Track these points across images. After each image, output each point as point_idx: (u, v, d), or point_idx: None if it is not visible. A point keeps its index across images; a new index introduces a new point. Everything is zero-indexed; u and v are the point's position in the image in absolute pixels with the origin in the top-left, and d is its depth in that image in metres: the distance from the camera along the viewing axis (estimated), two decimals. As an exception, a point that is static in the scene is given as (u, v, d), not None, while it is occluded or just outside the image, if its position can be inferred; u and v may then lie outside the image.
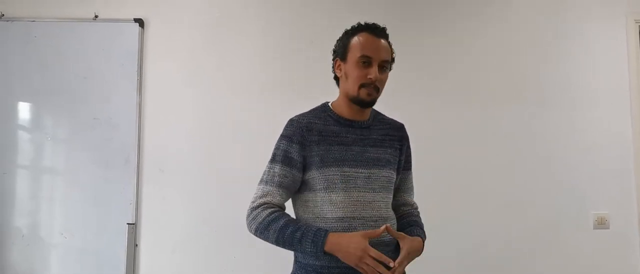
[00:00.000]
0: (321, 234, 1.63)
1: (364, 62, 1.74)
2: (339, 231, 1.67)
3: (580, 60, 3.26)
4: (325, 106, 1.87)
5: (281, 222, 1.67)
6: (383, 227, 1.64)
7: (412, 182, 1.99)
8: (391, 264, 1.57)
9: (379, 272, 1.57)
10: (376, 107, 1.94)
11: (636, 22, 3.26)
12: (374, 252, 1.57)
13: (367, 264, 1.57)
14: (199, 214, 3.11)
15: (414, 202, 1.98)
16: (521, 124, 3.21)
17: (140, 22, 3.19)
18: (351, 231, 1.67)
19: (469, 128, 3.19)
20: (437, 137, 3.16)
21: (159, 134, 3.15)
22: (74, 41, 3.17)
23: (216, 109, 3.18)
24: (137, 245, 3.07)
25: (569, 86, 3.24)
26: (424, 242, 1.82)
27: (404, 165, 1.93)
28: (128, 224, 3.05)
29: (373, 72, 1.73)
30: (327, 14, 3.21)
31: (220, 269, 3.06)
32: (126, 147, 3.11)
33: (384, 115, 1.95)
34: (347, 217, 1.71)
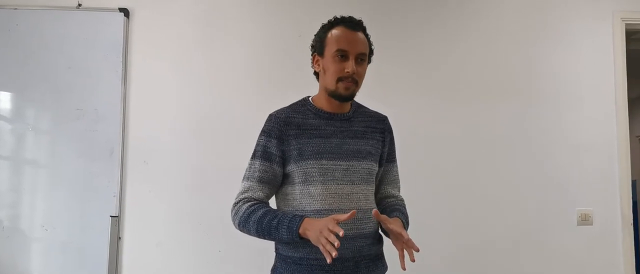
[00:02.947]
0: (296, 220, 1.63)
1: (341, 56, 1.74)
2: None
3: (568, 59, 3.28)
4: (305, 100, 1.87)
5: (260, 212, 1.69)
6: (352, 212, 1.55)
7: (396, 175, 1.98)
8: (341, 234, 1.48)
9: (331, 243, 1.49)
10: (361, 100, 1.94)
11: (622, 20, 3.28)
12: (332, 225, 1.51)
13: (325, 237, 1.51)
14: (184, 207, 3.08)
15: (399, 195, 1.97)
16: (508, 122, 3.22)
17: (125, 11, 3.14)
18: None
19: (455, 125, 3.20)
20: (424, 134, 3.17)
21: (144, 126, 3.12)
22: (57, 30, 3.12)
23: (202, 101, 3.15)
24: (120, 238, 3.04)
25: (556, 84, 3.26)
26: (405, 226, 1.79)
27: (387, 157, 1.93)
28: (111, 217, 3.01)
29: (350, 65, 1.73)
30: (315, 8, 3.19)
31: (205, 263, 3.04)
32: (110, 139, 3.07)
33: (366, 107, 1.95)
34: (324, 209, 1.71)
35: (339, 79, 1.74)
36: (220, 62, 3.18)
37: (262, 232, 1.68)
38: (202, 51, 3.18)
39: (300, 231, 1.61)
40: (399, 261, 1.66)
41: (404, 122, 3.08)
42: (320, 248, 1.53)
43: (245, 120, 3.07)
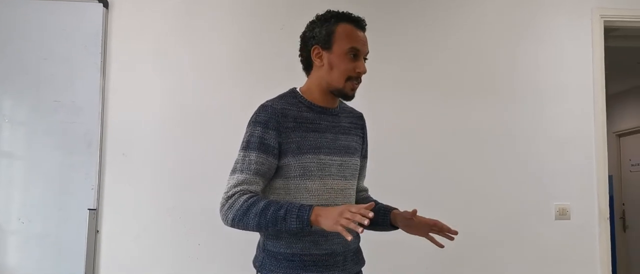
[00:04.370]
0: (306, 208, 1.55)
1: (353, 55, 1.73)
2: None
3: (547, 55, 3.31)
4: (294, 92, 1.82)
5: (261, 204, 1.59)
6: (370, 203, 1.47)
7: (366, 171, 2.05)
8: (369, 216, 1.42)
9: (357, 222, 1.44)
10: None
11: (601, 18, 3.32)
12: (355, 207, 1.45)
13: (347, 218, 1.44)
14: (163, 200, 3.05)
15: (368, 189, 2.06)
16: (488, 118, 3.24)
17: (104, 2, 3.09)
18: None
19: (437, 120, 3.22)
20: (407, 129, 3.18)
21: (123, 118, 3.08)
22: (34, 20, 3.06)
23: (183, 93, 3.12)
24: (98, 231, 3.00)
25: (536, 81, 3.29)
26: None
27: (363, 153, 1.97)
28: (89, 209, 2.98)
29: (361, 66, 1.74)
30: (299, 1, 3.17)
31: (184, 257, 3.02)
32: (89, 131, 3.03)
33: (344, 103, 1.92)
34: (321, 205, 1.67)
35: (348, 78, 1.73)
36: (201, 53, 3.15)
37: (265, 224, 1.59)
38: (183, 43, 3.15)
39: (312, 218, 1.53)
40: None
41: (387, 117, 3.11)
42: (339, 229, 1.44)
43: (227, 112, 3.05)
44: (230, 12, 3.20)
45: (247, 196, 1.62)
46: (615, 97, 6.72)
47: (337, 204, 1.70)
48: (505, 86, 3.28)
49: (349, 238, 1.44)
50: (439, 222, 1.74)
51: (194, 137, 3.09)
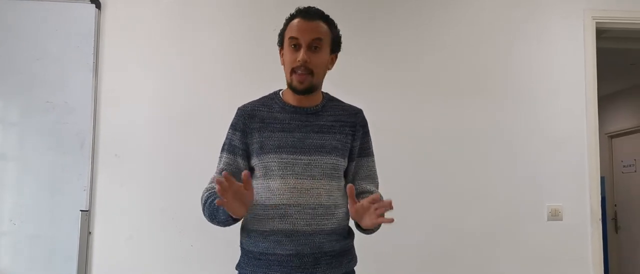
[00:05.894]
0: None
1: (293, 46, 1.72)
2: (275, 219, 1.68)
3: (540, 56, 3.33)
4: (275, 93, 1.85)
5: (211, 198, 1.66)
6: (221, 178, 1.44)
7: (372, 170, 1.91)
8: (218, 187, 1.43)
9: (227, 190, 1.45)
10: (339, 95, 1.92)
11: (593, 19, 3.34)
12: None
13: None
14: (156, 201, 3.04)
15: (375, 191, 1.87)
16: (481, 119, 3.26)
17: (96, 3, 3.09)
18: (287, 218, 1.68)
19: (430, 121, 3.23)
20: (400, 130, 3.19)
21: (116, 119, 3.07)
22: (26, 20, 3.05)
23: (175, 94, 3.12)
24: (90, 233, 2.99)
25: (528, 82, 3.31)
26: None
27: (358, 152, 1.87)
28: (81, 211, 2.96)
29: (300, 54, 1.70)
30: (291, 1, 3.17)
31: (177, 258, 3.01)
32: (81, 132, 3.02)
33: (341, 101, 1.90)
34: (282, 204, 1.68)
35: (293, 71, 1.72)
36: (194, 54, 3.15)
37: (210, 215, 1.67)
38: (176, 43, 3.15)
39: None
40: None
41: (380, 118, 3.10)
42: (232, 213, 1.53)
43: (219, 113, 3.00)
44: (223, 13, 3.20)
45: (208, 193, 1.70)
46: (607, 99, 6.75)
47: (301, 204, 1.69)
48: (497, 86, 3.29)
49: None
50: (376, 196, 1.59)
51: (187, 138, 3.08)
